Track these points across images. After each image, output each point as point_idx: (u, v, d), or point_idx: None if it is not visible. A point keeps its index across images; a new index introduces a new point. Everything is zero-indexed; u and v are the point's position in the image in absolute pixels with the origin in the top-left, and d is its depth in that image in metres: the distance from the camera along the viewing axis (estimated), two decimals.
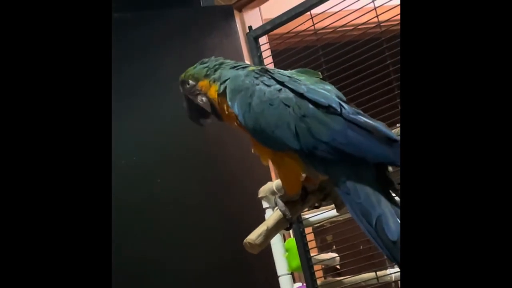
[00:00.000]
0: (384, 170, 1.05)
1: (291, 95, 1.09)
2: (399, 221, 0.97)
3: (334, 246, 2.27)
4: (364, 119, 1.05)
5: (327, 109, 1.06)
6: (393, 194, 1.04)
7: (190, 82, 1.25)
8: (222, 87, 1.18)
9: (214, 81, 1.21)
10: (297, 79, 1.13)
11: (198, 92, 1.25)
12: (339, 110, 1.06)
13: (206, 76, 1.23)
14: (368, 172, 1.03)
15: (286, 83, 1.11)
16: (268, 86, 1.12)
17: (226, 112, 1.18)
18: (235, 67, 1.22)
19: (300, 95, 1.09)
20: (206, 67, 1.24)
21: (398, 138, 1.03)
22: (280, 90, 1.10)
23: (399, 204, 1.01)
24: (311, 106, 1.07)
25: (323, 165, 1.07)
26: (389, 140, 1.02)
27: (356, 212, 1.01)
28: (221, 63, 1.24)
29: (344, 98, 1.14)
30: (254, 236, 1.15)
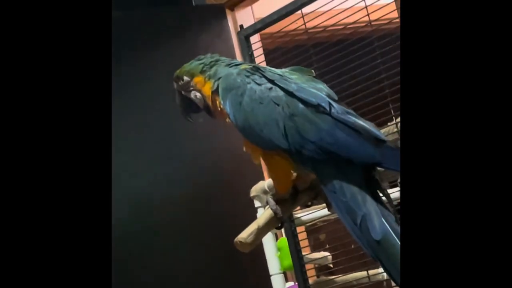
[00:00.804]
0: (371, 170, 1.05)
1: (281, 93, 1.09)
2: (384, 221, 0.97)
3: (327, 245, 2.27)
4: (353, 118, 1.05)
5: (316, 108, 1.06)
6: (380, 194, 1.04)
7: (185, 78, 1.25)
8: (216, 84, 1.19)
9: (209, 78, 1.22)
10: (288, 78, 1.13)
11: (192, 88, 1.25)
12: (328, 109, 1.05)
13: (202, 72, 1.23)
14: (355, 172, 1.03)
15: (276, 81, 1.11)
16: (259, 84, 1.12)
17: (219, 109, 1.18)
18: (229, 64, 1.22)
19: (290, 94, 1.08)
20: (202, 63, 1.24)
21: (387, 138, 1.03)
22: (270, 88, 1.10)
23: (386, 204, 1.01)
24: (300, 104, 1.07)
25: (312, 164, 1.07)
26: (377, 141, 1.02)
27: (342, 210, 1.02)
28: (217, 60, 1.24)
29: (336, 97, 1.13)
30: (245, 234, 1.15)
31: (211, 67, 1.23)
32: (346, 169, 1.03)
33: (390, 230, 0.96)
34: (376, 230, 0.96)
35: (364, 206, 0.99)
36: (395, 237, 0.95)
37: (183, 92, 1.27)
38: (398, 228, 0.97)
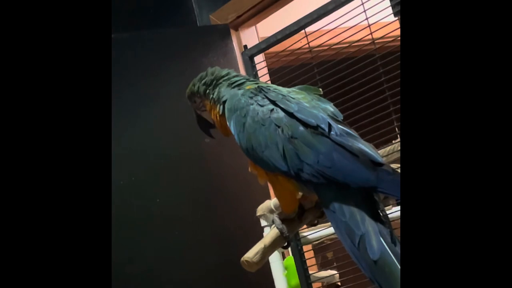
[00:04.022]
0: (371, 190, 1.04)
1: (282, 114, 1.09)
2: (383, 241, 0.97)
3: (334, 263, 2.26)
4: (351, 140, 1.05)
5: (315, 129, 1.06)
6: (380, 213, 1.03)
7: (196, 99, 1.27)
8: (221, 109, 1.20)
9: (214, 102, 1.23)
10: (291, 98, 1.13)
11: (204, 109, 1.28)
12: (327, 130, 1.05)
13: (206, 95, 1.24)
14: (354, 193, 1.02)
15: (278, 102, 1.11)
16: (261, 106, 1.12)
17: (229, 130, 1.20)
18: (232, 84, 1.22)
19: (290, 115, 1.09)
20: (204, 83, 1.25)
21: (384, 161, 1.03)
22: (272, 110, 1.11)
23: (385, 223, 1.00)
24: (300, 126, 1.07)
25: (312, 185, 1.07)
26: (374, 164, 1.01)
27: (341, 230, 1.02)
28: (219, 78, 1.25)
29: (340, 116, 1.14)
30: (252, 254, 1.15)
31: (213, 88, 1.24)
32: (345, 190, 1.03)
33: (388, 250, 0.96)
34: (374, 249, 0.96)
35: (363, 225, 0.99)
36: (393, 257, 0.95)
37: (198, 112, 1.29)
38: (396, 248, 0.96)
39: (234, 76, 1.26)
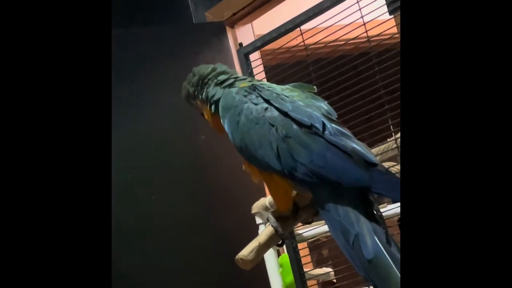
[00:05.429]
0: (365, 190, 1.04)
1: (276, 113, 1.09)
2: (377, 240, 0.97)
3: (330, 261, 2.26)
4: (345, 140, 1.05)
5: (309, 128, 1.06)
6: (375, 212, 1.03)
7: (192, 102, 1.27)
8: (213, 108, 1.19)
9: (203, 103, 1.22)
10: (285, 96, 1.13)
11: (201, 109, 1.27)
12: (321, 129, 1.05)
13: (196, 97, 1.24)
14: (348, 192, 1.02)
15: (272, 101, 1.11)
16: (256, 104, 1.12)
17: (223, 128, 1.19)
18: (221, 83, 1.21)
19: (284, 114, 1.08)
20: (192, 85, 1.24)
21: (378, 161, 1.03)
22: (266, 108, 1.10)
23: (379, 223, 1.00)
24: (294, 125, 1.07)
25: (305, 184, 1.07)
26: (368, 164, 1.01)
27: (335, 229, 1.02)
28: (203, 78, 1.23)
29: (334, 115, 1.13)
30: (246, 252, 1.15)
31: (201, 88, 1.23)
32: (339, 189, 1.03)
33: (383, 249, 0.96)
34: (368, 249, 0.96)
35: (357, 225, 0.99)
36: (387, 257, 0.95)
37: (199, 111, 1.28)
38: (391, 248, 0.97)
39: (219, 74, 1.23)
